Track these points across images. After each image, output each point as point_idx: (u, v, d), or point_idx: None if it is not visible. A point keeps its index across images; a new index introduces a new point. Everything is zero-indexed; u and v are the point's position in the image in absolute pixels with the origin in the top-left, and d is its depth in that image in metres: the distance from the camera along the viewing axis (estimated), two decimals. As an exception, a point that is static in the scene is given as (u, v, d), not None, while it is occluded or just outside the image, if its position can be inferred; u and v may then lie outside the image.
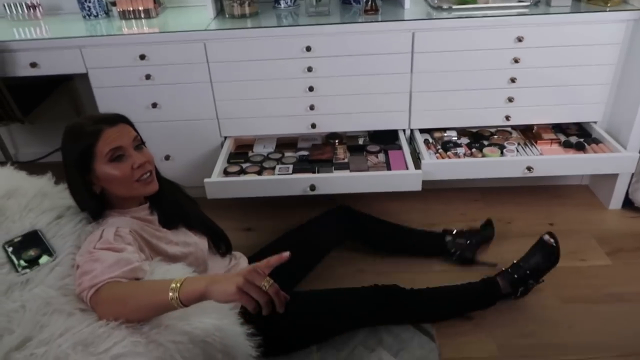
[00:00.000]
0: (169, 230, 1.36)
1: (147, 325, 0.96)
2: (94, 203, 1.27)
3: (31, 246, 1.20)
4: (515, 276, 1.64)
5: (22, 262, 1.15)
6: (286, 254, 0.94)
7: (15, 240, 1.21)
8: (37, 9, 2.28)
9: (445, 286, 1.66)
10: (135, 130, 1.29)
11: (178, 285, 0.96)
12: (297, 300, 1.49)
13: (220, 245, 1.51)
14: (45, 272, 1.11)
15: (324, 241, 1.82)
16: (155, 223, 1.34)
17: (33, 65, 1.99)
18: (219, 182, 1.88)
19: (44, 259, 1.17)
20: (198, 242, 1.41)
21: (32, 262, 1.15)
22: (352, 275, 1.85)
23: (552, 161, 1.93)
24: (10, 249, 1.19)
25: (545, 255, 1.65)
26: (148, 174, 1.27)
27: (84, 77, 2.05)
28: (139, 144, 1.27)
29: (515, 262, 1.68)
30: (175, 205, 1.40)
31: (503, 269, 1.68)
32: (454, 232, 1.90)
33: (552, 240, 1.65)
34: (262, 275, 0.91)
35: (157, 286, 1.01)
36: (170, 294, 0.95)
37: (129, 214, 1.29)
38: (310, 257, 1.77)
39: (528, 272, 1.64)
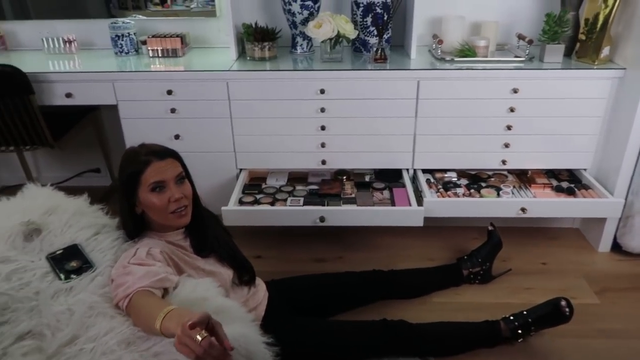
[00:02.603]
0: (199, 257, 1.47)
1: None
2: (133, 222, 1.40)
3: (72, 258, 1.33)
4: (516, 324, 1.71)
5: (65, 272, 1.28)
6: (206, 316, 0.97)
7: (58, 252, 1.35)
8: (72, 43, 2.47)
9: (450, 323, 1.76)
10: (183, 166, 1.44)
11: (162, 317, 1.05)
12: (307, 329, 1.62)
13: (244, 277, 1.59)
14: (87, 282, 1.23)
15: (351, 298, 1.89)
16: (187, 249, 1.46)
17: (68, 95, 2.16)
18: (236, 211, 2.02)
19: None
20: (223, 273, 1.50)
21: (74, 273, 1.28)
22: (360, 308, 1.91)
23: (544, 204, 2.07)
24: (53, 261, 1.32)
25: (554, 318, 1.71)
26: (182, 208, 1.40)
27: (110, 107, 2.21)
28: (182, 178, 1.41)
29: (522, 311, 1.74)
30: (210, 236, 1.50)
31: (508, 316, 1.74)
32: (468, 263, 2.04)
33: (567, 309, 1.68)
34: (197, 331, 0.94)
35: (155, 311, 1.08)
36: (157, 324, 1.05)
37: (164, 237, 1.42)
38: (333, 307, 1.85)
39: (532, 326, 1.71)
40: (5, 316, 1.13)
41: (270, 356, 1.15)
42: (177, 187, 1.39)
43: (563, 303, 1.69)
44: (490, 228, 2.12)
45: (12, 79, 2.02)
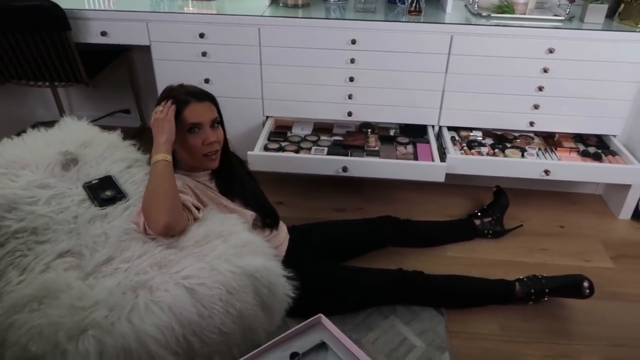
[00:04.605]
0: (224, 197, 1.53)
1: (208, 255, 1.14)
2: None
3: (107, 188, 1.40)
4: (532, 290, 1.73)
5: (100, 201, 1.35)
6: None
7: (94, 182, 1.42)
8: (107, -18, 2.48)
9: (466, 277, 1.80)
10: (218, 111, 1.47)
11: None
12: (326, 272, 1.68)
13: (267, 220, 1.63)
14: (121, 210, 1.31)
15: (367, 240, 1.96)
16: (213, 188, 1.52)
17: (103, 34, 2.19)
18: (261, 156, 2.07)
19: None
20: (246, 214, 1.54)
21: (109, 201, 1.35)
22: (376, 254, 1.98)
23: (569, 167, 2.07)
24: (89, 189, 1.40)
25: (571, 292, 1.73)
26: (214, 152, 1.45)
27: (142, 49, 2.23)
28: (217, 123, 1.45)
29: (538, 275, 1.76)
30: (235, 180, 1.55)
31: (522, 277, 1.77)
32: (479, 214, 2.11)
33: (587, 291, 1.69)
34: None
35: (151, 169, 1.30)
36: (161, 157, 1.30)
37: (191, 177, 1.48)
38: (350, 249, 1.92)
39: (547, 295, 1.74)
40: (46, 236, 1.22)
41: (290, 289, 1.22)
42: (211, 131, 1.43)
43: (585, 284, 1.69)
44: (494, 189, 2.20)
45: (50, 14, 2.06)
